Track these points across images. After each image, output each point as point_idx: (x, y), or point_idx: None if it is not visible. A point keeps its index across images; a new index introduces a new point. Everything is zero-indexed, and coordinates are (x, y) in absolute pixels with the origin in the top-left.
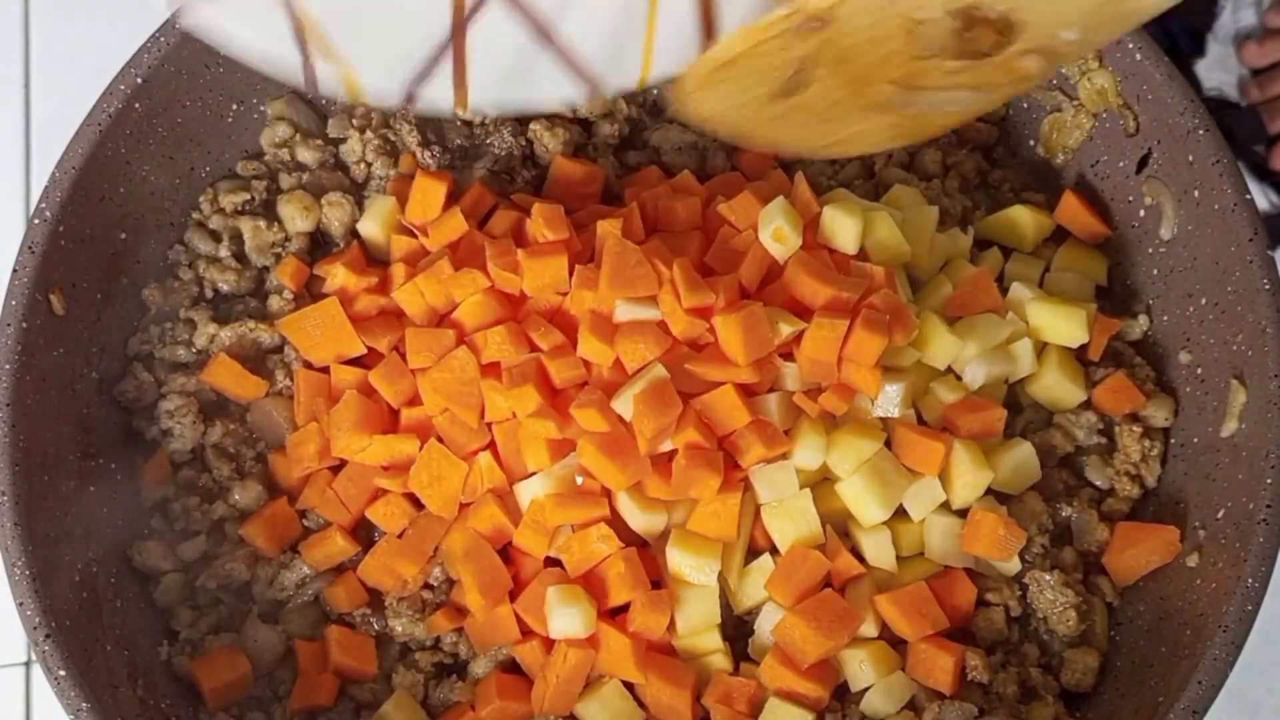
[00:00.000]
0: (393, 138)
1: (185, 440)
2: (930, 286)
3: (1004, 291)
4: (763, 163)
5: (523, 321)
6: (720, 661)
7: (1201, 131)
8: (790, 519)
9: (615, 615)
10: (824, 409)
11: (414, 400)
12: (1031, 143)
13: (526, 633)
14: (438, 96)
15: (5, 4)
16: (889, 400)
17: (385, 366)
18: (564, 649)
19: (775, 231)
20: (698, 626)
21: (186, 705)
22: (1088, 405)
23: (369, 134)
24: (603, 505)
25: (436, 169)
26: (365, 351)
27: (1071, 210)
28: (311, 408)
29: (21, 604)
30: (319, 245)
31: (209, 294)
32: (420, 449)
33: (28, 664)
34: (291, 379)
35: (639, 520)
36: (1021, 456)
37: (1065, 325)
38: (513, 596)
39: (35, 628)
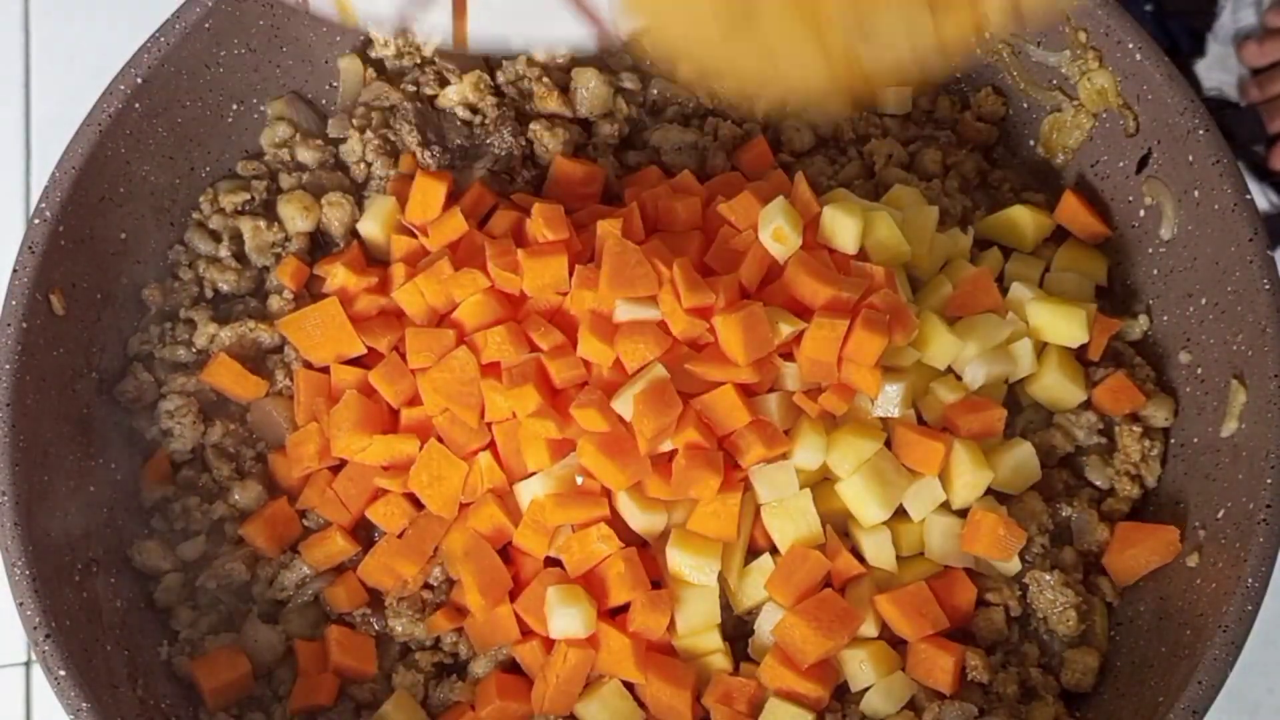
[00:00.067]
0: (393, 138)
1: (185, 440)
2: (930, 286)
3: (1004, 291)
4: (763, 163)
5: (523, 321)
6: (720, 661)
7: (1201, 131)
8: (790, 519)
9: (615, 615)
10: (824, 409)
11: (414, 400)
12: (1031, 143)
13: (526, 633)
14: (436, 25)
15: (5, 4)
16: (889, 400)
17: (385, 366)
18: (564, 649)
19: (775, 231)
20: (698, 626)
21: (186, 705)
22: (1088, 405)
23: (369, 134)
24: (603, 505)
25: (436, 169)
26: (365, 351)
27: (1071, 210)
28: (311, 408)
29: (21, 604)
30: (319, 245)
31: (209, 294)
32: (420, 449)
33: (28, 664)
34: (291, 379)
35: (639, 520)
36: (1021, 456)
37: (1065, 325)
38: (513, 596)
39: (35, 628)
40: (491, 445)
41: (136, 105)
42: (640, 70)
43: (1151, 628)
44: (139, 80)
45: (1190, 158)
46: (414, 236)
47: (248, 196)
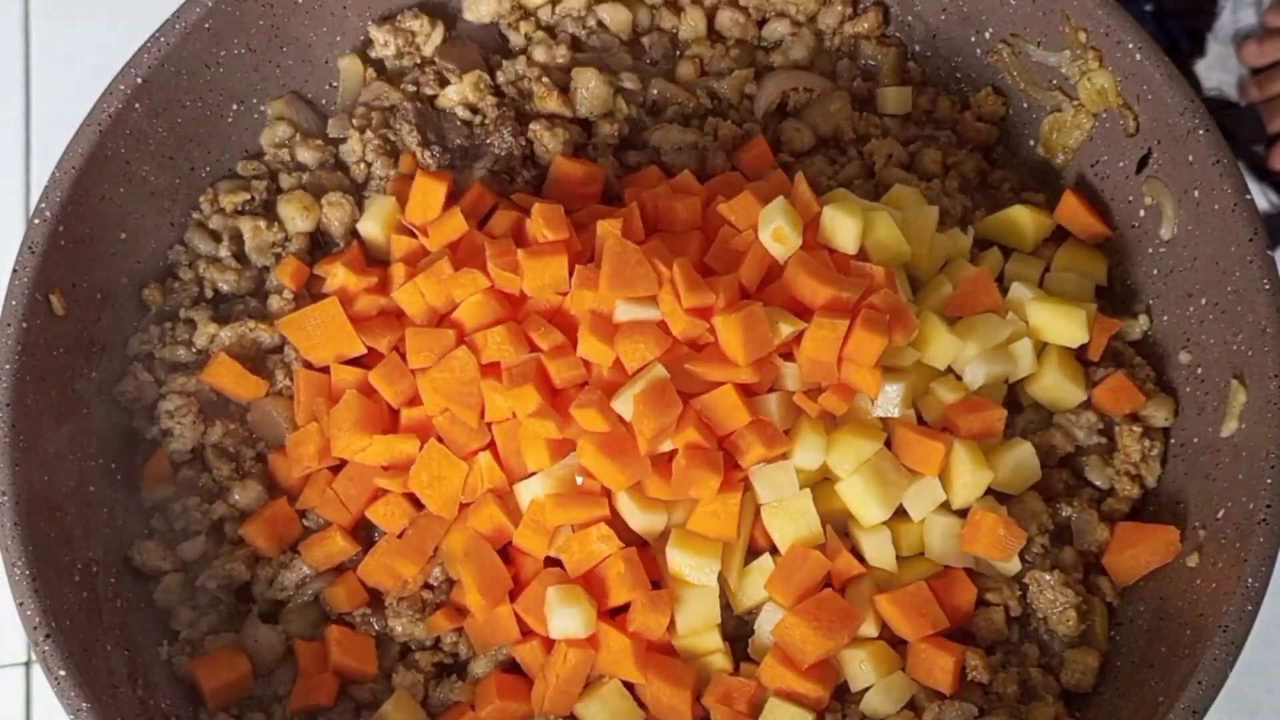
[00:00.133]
0: (393, 138)
1: (185, 440)
2: (930, 286)
3: (1004, 291)
4: (763, 163)
5: (523, 321)
6: (720, 661)
7: (1201, 131)
8: (790, 519)
9: (615, 615)
10: (824, 409)
11: (414, 400)
12: (1031, 143)
13: (526, 633)
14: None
15: (5, 4)
16: (889, 400)
17: (385, 366)
18: (564, 649)
19: (775, 231)
20: (698, 626)
21: (186, 705)
22: (1088, 405)
23: (369, 134)
24: (603, 505)
25: (436, 169)
26: (365, 351)
27: (1071, 210)
28: (311, 408)
29: (21, 604)
30: (319, 245)
31: (209, 294)
32: (420, 449)
33: (28, 664)
34: (291, 379)
35: (639, 520)
36: (1021, 456)
37: (1065, 325)
38: (513, 596)
39: (35, 628)
40: (491, 445)
41: (136, 105)
42: (640, 70)
43: (1151, 628)
44: (139, 80)
45: (1190, 158)
46: (414, 236)
47: (248, 196)
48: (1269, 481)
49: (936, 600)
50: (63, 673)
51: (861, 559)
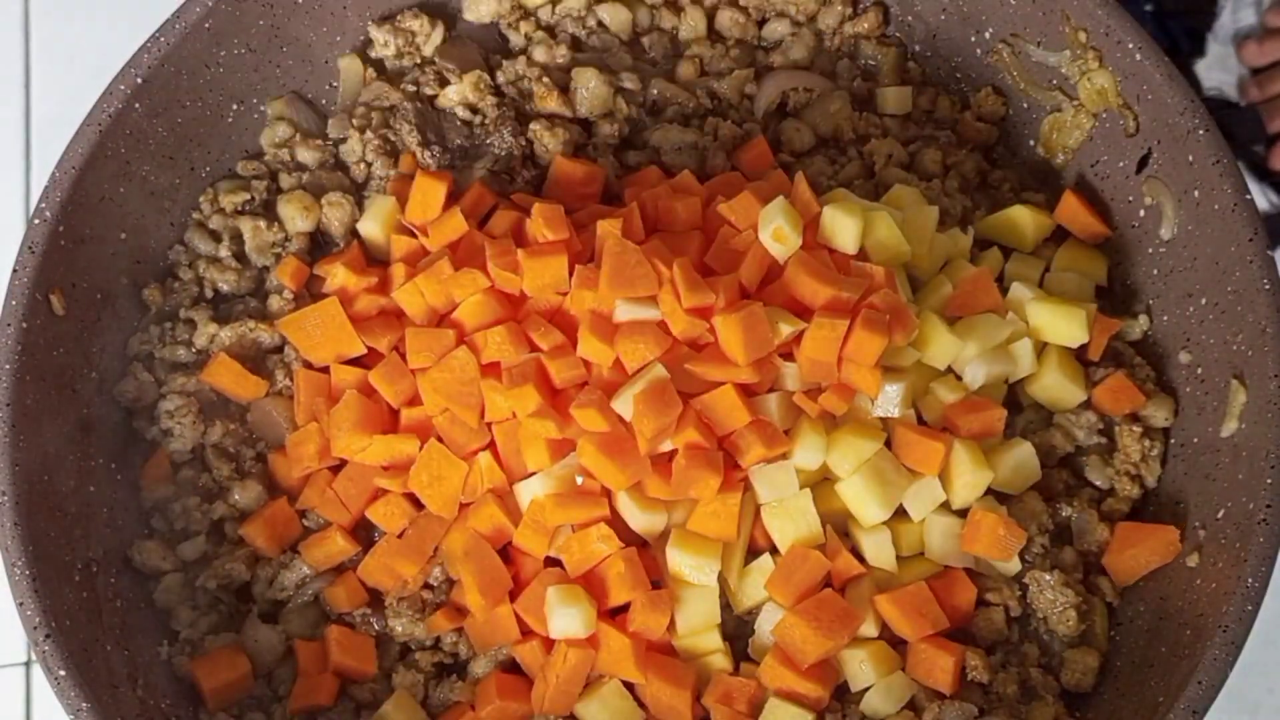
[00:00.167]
0: (393, 138)
1: (185, 440)
2: (930, 286)
3: (1004, 291)
4: (763, 163)
5: (523, 321)
6: (720, 661)
7: (1201, 131)
8: (790, 519)
9: (615, 615)
10: (824, 409)
11: (414, 400)
12: (1031, 143)
13: (526, 633)
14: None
15: (5, 4)
16: (889, 400)
17: (385, 366)
18: (564, 649)
19: (775, 231)
20: (698, 626)
21: (186, 705)
22: (1088, 405)
23: (369, 134)
24: (603, 505)
25: (436, 169)
26: (365, 351)
27: (1071, 210)
28: (311, 408)
29: (21, 604)
30: (319, 245)
31: (209, 294)
32: (420, 449)
33: (28, 664)
34: (291, 379)
35: (639, 520)
36: (1021, 456)
37: (1065, 325)
38: (513, 596)
39: (35, 628)
40: (491, 445)
41: (136, 105)
42: (640, 70)
43: (1151, 628)
44: (139, 80)
45: (1190, 158)
46: (414, 236)
47: (248, 196)
48: (1269, 481)
49: (936, 600)
50: (63, 673)
51: (861, 559)
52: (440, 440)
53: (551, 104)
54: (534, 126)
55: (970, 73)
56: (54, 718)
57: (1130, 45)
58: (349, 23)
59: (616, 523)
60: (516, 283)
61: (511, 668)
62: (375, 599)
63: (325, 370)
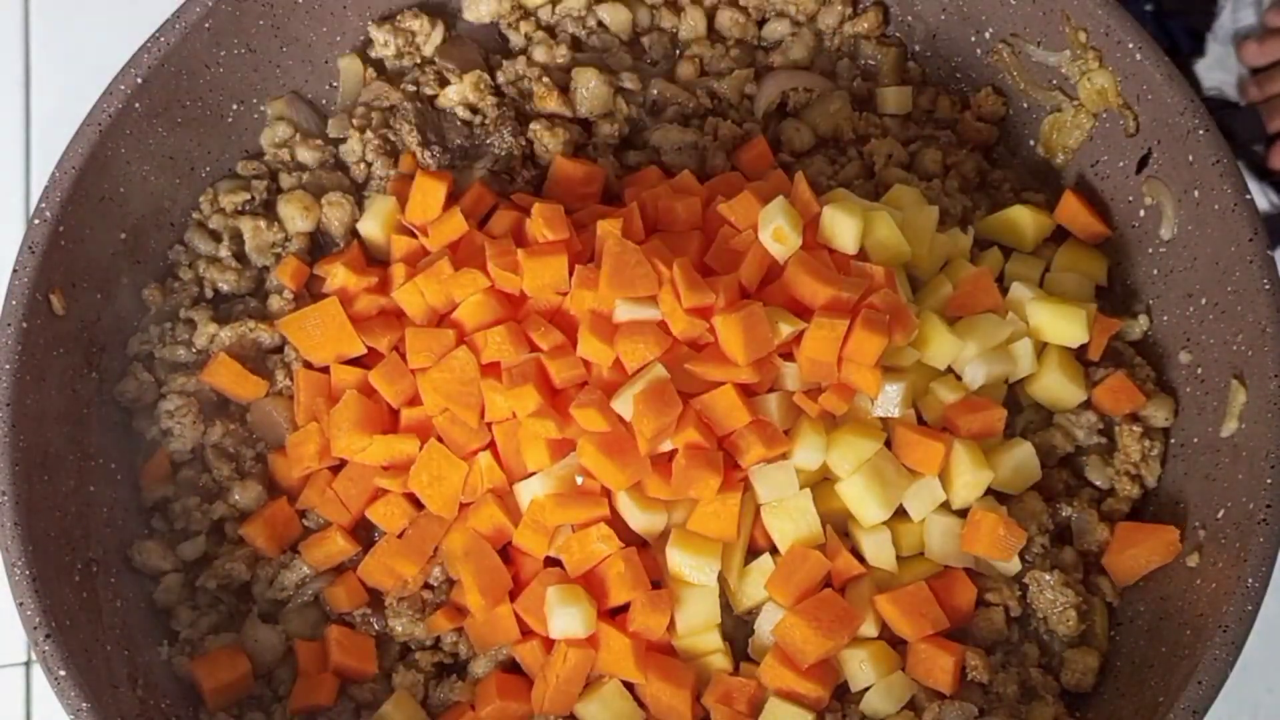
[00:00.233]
0: (393, 138)
1: (185, 440)
2: (930, 286)
3: (1004, 291)
4: (763, 163)
5: (523, 321)
6: (720, 661)
7: (1201, 131)
8: (790, 519)
9: (615, 615)
10: (824, 409)
11: (414, 400)
12: (1031, 143)
13: (526, 633)
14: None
15: (5, 4)
16: (889, 400)
17: (385, 366)
18: (564, 649)
19: (775, 231)
20: (698, 626)
21: (186, 705)
22: (1088, 405)
23: (369, 134)
24: (603, 505)
25: (436, 169)
26: (365, 351)
27: (1071, 210)
28: (311, 408)
29: (21, 604)
30: (319, 245)
31: (209, 294)
32: (420, 449)
33: (28, 664)
34: (291, 379)
35: (639, 520)
36: (1021, 456)
37: (1065, 325)
38: (513, 596)
39: (35, 628)
40: (491, 445)
41: (136, 105)
42: (640, 70)
43: (1151, 628)
44: (139, 80)
45: (1190, 158)
46: (414, 236)
47: (248, 196)
48: (1269, 481)
49: (936, 600)
50: (63, 673)
51: (861, 559)
52: (440, 440)
53: (551, 104)
54: (534, 126)
55: (970, 73)
56: (54, 718)
57: (1130, 45)
58: (349, 23)
59: (616, 523)
60: (516, 283)
61: (511, 668)
62: (375, 599)
63: (325, 370)
